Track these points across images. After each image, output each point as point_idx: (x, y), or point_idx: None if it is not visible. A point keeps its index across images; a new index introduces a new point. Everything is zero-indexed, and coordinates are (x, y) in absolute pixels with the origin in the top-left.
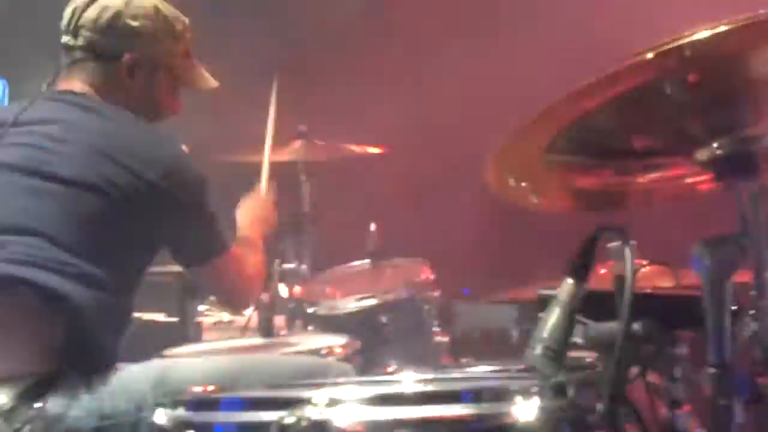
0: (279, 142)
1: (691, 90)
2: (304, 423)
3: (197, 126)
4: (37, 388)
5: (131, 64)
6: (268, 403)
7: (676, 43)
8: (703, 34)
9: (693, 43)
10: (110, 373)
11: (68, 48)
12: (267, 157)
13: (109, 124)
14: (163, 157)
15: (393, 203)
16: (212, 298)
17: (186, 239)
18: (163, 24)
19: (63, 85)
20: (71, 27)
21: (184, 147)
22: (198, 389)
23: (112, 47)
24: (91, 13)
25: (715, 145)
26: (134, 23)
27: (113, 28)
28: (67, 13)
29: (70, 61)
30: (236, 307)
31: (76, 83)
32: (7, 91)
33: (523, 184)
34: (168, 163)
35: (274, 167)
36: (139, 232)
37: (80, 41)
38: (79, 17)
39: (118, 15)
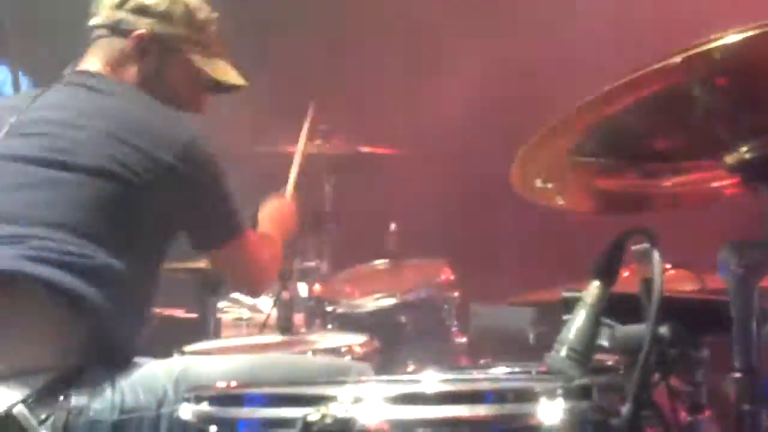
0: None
1: (719, 93)
2: (328, 420)
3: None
4: (60, 382)
5: (142, 41)
6: (292, 399)
7: (705, 47)
8: (732, 37)
9: (722, 47)
10: (131, 367)
11: (90, 28)
12: (296, 164)
13: (123, 105)
14: (179, 138)
15: (413, 203)
16: (226, 280)
17: (202, 221)
18: (182, 8)
19: (81, 65)
20: (94, 6)
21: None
22: (222, 385)
23: (124, 22)
24: None
25: (743, 149)
26: (150, 1)
27: (128, 2)
28: None
29: (91, 39)
30: (248, 292)
31: (93, 61)
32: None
33: (549, 185)
34: (184, 144)
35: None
36: (158, 216)
37: (99, 19)
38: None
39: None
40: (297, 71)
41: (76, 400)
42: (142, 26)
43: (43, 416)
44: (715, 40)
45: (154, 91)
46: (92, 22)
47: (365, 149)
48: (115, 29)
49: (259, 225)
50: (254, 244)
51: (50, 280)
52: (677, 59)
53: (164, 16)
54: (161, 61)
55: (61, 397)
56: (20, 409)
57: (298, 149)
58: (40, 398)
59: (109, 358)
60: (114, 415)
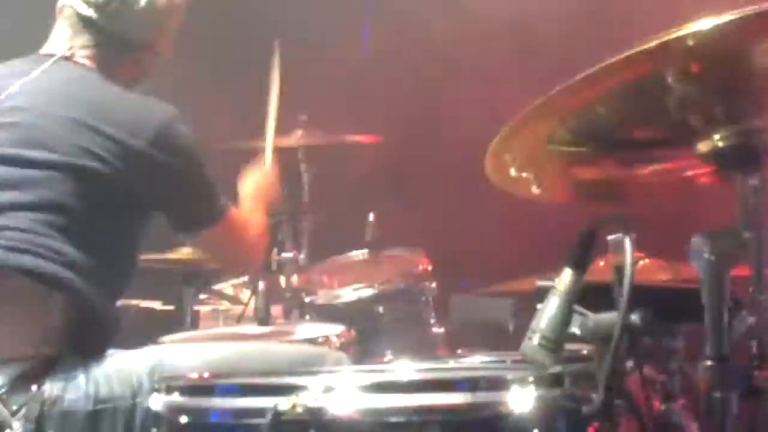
0: (279, 132)
1: (693, 81)
2: (299, 409)
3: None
4: (33, 372)
5: (140, 56)
6: (263, 389)
7: (678, 33)
8: (706, 24)
9: (696, 34)
10: (106, 358)
11: (76, 14)
12: (271, 129)
13: (92, 91)
14: (151, 123)
15: (391, 194)
16: (213, 260)
17: (183, 205)
18: (177, 17)
19: (47, 45)
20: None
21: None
22: (194, 375)
23: (128, 37)
24: None
25: (716, 137)
26: (157, 20)
27: (131, 17)
28: None
29: (72, 29)
30: (239, 271)
31: (58, 42)
32: None
33: (524, 174)
34: (156, 130)
35: (274, 155)
36: (133, 203)
37: (92, 15)
38: None
39: (140, 4)
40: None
41: (50, 390)
42: (144, 45)
43: (15, 407)
44: (689, 26)
45: (127, 81)
46: (84, 11)
47: (344, 139)
48: (112, 39)
49: (241, 200)
50: (239, 222)
51: (24, 266)
52: (651, 45)
53: (165, 32)
54: (143, 62)
55: (35, 387)
56: None
57: (272, 98)
58: (13, 388)
59: (84, 348)
60: (88, 405)
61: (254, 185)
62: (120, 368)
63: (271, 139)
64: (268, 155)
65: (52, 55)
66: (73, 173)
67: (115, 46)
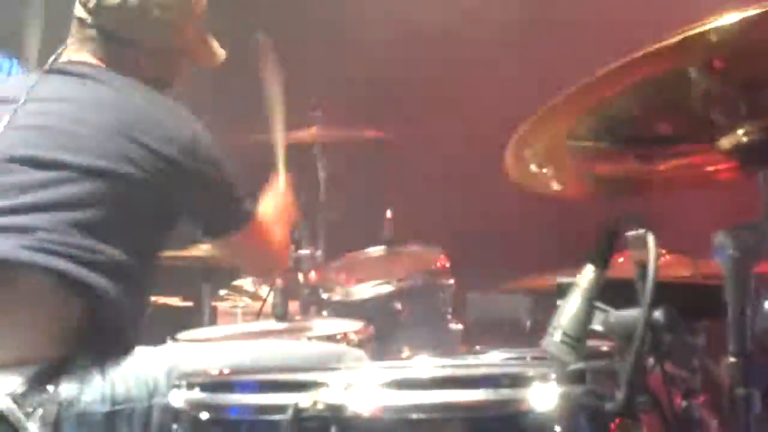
0: (294, 127)
1: (716, 76)
2: (320, 406)
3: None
4: (49, 372)
5: (149, 51)
6: (284, 385)
7: (702, 29)
8: (729, 19)
9: (719, 29)
10: (124, 358)
11: (82, 23)
12: (281, 149)
13: (124, 98)
14: (181, 132)
15: (409, 190)
16: (238, 265)
17: (211, 213)
18: (186, 10)
19: (73, 54)
20: (90, 3)
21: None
22: (214, 372)
23: (132, 34)
24: None
25: (739, 132)
26: (159, 13)
27: (136, 15)
28: None
29: (83, 36)
30: (265, 275)
31: (87, 56)
32: (16, 70)
33: (544, 170)
34: (186, 139)
35: (290, 153)
36: (161, 211)
37: (99, 20)
38: None
39: (143, 2)
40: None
41: (66, 391)
42: (149, 39)
43: (31, 409)
44: (712, 21)
45: (149, 81)
46: (86, 18)
47: (360, 134)
48: (119, 38)
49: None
50: (264, 228)
51: (51, 267)
52: (673, 40)
53: (172, 25)
54: (161, 61)
55: (51, 389)
56: (6, 404)
57: (276, 115)
58: (29, 390)
59: (105, 348)
60: (105, 406)
61: (273, 206)
62: (137, 369)
63: (282, 161)
64: (282, 178)
65: (78, 64)
66: (105, 177)
67: (118, 44)
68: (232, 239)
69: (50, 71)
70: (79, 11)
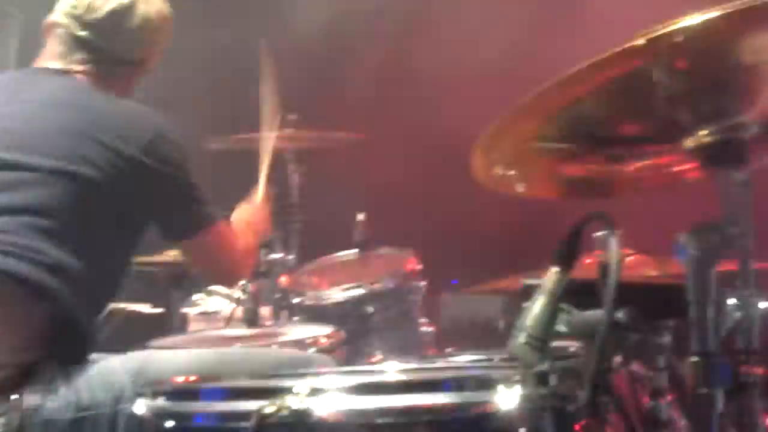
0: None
1: (679, 77)
2: (284, 412)
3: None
4: (12, 380)
5: (131, 72)
6: (248, 392)
7: (665, 29)
8: (692, 20)
9: (682, 29)
10: (87, 364)
11: (69, 34)
12: (265, 164)
13: (85, 98)
14: (144, 129)
15: (380, 193)
16: (198, 271)
17: (171, 214)
18: (167, 32)
19: (39, 61)
20: (78, 16)
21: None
22: (179, 379)
23: (121, 55)
24: (103, 10)
25: (702, 132)
26: (147, 36)
27: (125, 36)
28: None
29: (68, 47)
30: (224, 282)
31: (65, 65)
32: None
33: (510, 172)
34: (149, 136)
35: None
36: (123, 210)
37: (87, 35)
38: (90, 10)
39: (134, 23)
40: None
41: (30, 399)
42: (134, 62)
43: None
44: (675, 22)
45: (103, 87)
46: (73, 29)
47: (332, 139)
48: (103, 55)
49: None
50: (227, 234)
51: (7, 270)
52: (641, 41)
53: (156, 47)
54: (134, 78)
55: (14, 396)
56: None
57: (266, 129)
58: None
59: (65, 354)
60: (69, 413)
61: (246, 215)
62: (102, 375)
63: (264, 174)
64: (261, 189)
65: (45, 69)
66: (64, 178)
67: (109, 63)
68: (192, 242)
69: (20, 74)
70: (63, 19)
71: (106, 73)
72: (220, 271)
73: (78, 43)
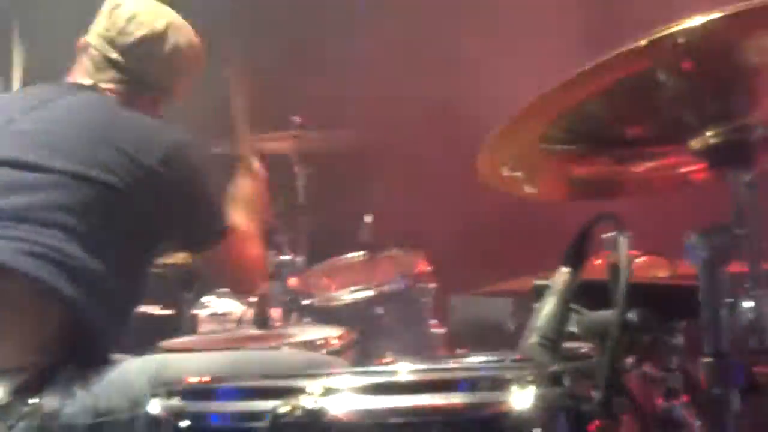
0: (272, 133)
1: (684, 78)
2: (298, 412)
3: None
4: (33, 384)
5: (158, 97)
6: (262, 392)
7: (669, 30)
8: (697, 21)
9: (687, 31)
10: (106, 368)
11: (101, 54)
12: (244, 138)
13: (108, 109)
14: (163, 142)
15: (389, 195)
16: (218, 281)
17: (188, 224)
18: (197, 63)
19: (70, 76)
20: (111, 39)
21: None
22: (193, 380)
23: (150, 80)
24: (135, 36)
25: (708, 133)
26: (176, 65)
27: (155, 62)
28: (110, 19)
29: (99, 66)
30: (240, 290)
31: (92, 80)
32: None
33: (517, 173)
34: (167, 148)
35: (270, 159)
36: (141, 219)
37: (117, 57)
38: (123, 34)
39: (164, 52)
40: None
41: (49, 403)
42: (160, 88)
43: (14, 421)
44: (680, 23)
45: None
46: (104, 49)
47: (340, 141)
48: (131, 77)
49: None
50: (241, 243)
51: (29, 271)
52: (643, 42)
53: (184, 75)
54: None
55: (34, 401)
56: None
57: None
58: (12, 402)
59: (85, 359)
60: (88, 418)
61: (241, 198)
62: (120, 379)
63: (246, 140)
64: (248, 160)
65: (75, 83)
66: (85, 182)
67: (137, 85)
68: (212, 252)
69: (50, 86)
70: (101, 44)
71: (134, 94)
72: (234, 280)
73: (109, 64)
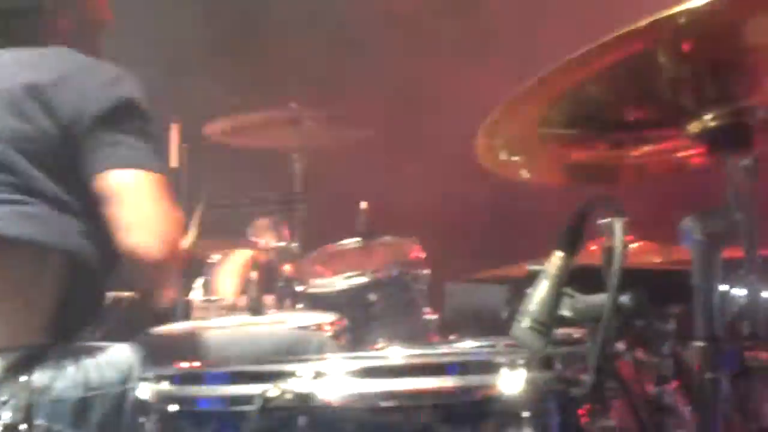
0: (271, 122)
1: (684, 60)
2: (288, 396)
3: None
4: (23, 362)
5: (64, 27)
6: (252, 376)
7: (669, 12)
8: (697, 1)
9: (687, 11)
10: (96, 344)
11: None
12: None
13: (50, 59)
14: (109, 93)
15: (383, 182)
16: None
17: (109, 146)
18: None
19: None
20: None
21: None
22: (183, 364)
23: (46, 6)
24: None
25: (707, 117)
26: None
27: None
28: None
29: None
30: (143, 250)
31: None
32: None
33: (515, 157)
34: (114, 98)
35: (266, 148)
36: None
37: None
38: None
39: None
40: (273, 55)
41: (40, 379)
42: (63, 14)
43: (5, 398)
44: (680, 4)
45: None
46: None
47: (335, 128)
48: (32, 12)
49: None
50: (165, 193)
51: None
52: (642, 23)
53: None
54: (75, 35)
55: (24, 378)
56: None
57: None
58: (5, 379)
59: (73, 333)
60: (78, 392)
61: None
62: (110, 355)
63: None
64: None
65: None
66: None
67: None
68: (115, 177)
69: None
70: None
71: (38, 37)
72: (140, 228)
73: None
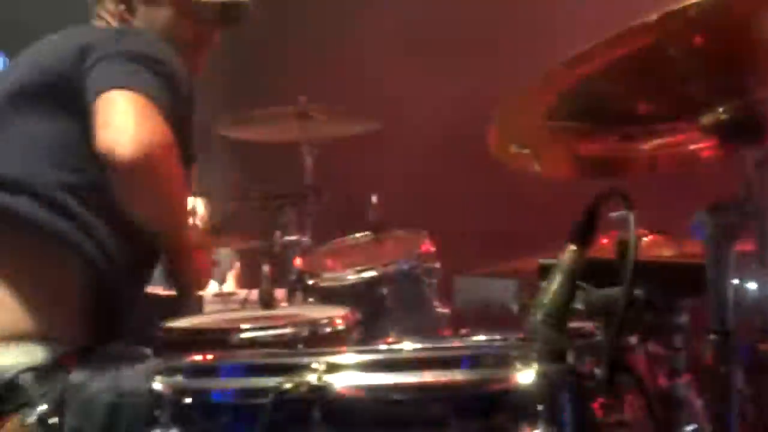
0: (280, 116)
1: (695, 53)
2: (302, 388)
3: None
4: (68, 357)
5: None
6: (266, 369)
7: (681, 5)
8: None
9: (698, 4)
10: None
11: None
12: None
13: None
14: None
15: (394, 175)
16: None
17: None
18: None
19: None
20: None
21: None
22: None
23: None
24: None
25: (720, 109)
26: None
27: None
28: None
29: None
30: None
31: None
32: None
33: (526, 150)
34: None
35: (275, 141)
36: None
37: None
38: None
39: None
40: (279, 51)
41: (77, 376)
42: None
43: (45, 389)
44: None
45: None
46: None
47: (346, 121)
48: None
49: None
50: (152, 111)
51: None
52: (653, 16)
53: None
54: (149, 12)
55: (65, 372)
56: (28, 378)
57: None
58: (50, 369)
59: (110, 335)
60: (111, 396)
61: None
62: (147, 365)
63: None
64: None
65: None
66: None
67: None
68: (102, 95)
69: None
70: None
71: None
72: (119, 139)
73: None
